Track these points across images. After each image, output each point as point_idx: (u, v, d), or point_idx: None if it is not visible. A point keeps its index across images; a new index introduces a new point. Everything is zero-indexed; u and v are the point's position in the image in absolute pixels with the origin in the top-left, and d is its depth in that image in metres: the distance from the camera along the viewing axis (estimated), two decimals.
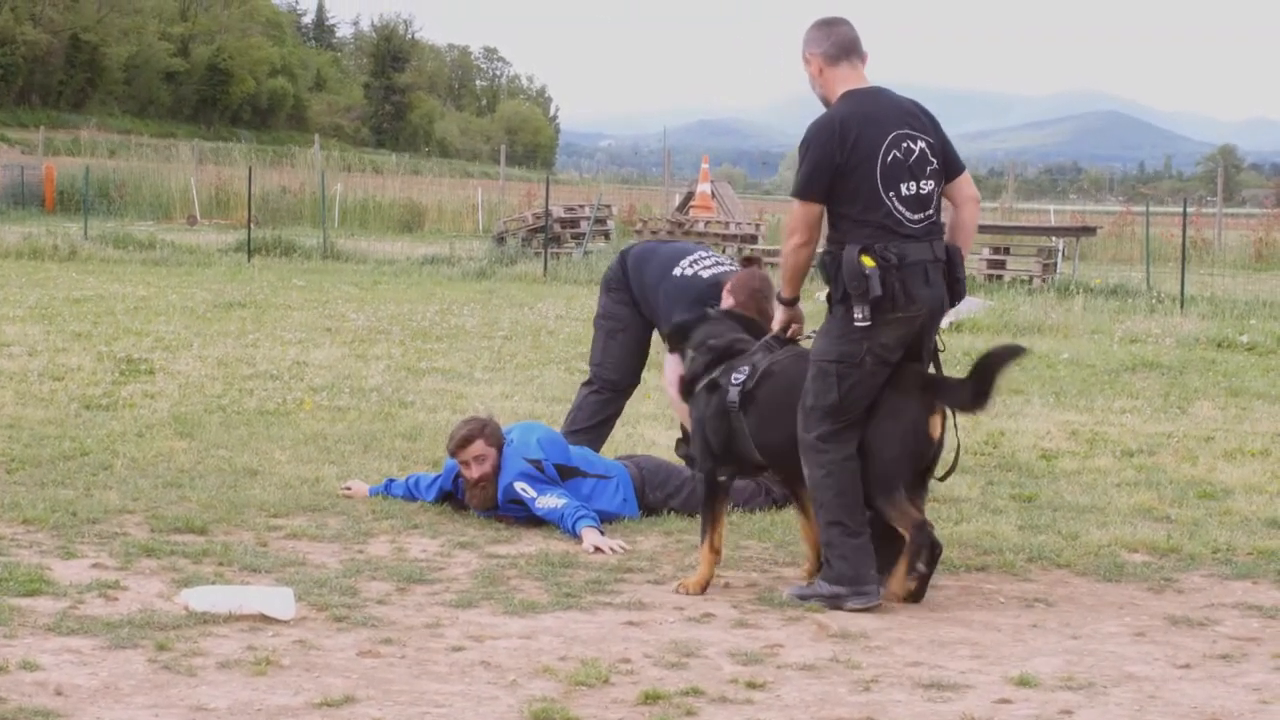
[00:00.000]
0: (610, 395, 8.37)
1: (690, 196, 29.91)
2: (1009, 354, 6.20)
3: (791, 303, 6.47)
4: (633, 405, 8.76)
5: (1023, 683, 5.15)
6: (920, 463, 6.19)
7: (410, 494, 7.81)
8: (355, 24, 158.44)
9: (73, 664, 5.08)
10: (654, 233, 26.27)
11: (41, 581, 6.00)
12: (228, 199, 41.06)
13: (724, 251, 23.64)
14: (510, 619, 5.81)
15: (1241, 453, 9.62)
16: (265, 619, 5.62)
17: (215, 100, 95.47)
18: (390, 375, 12.36)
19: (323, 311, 17.72)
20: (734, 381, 6.40)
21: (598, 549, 6.88)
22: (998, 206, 39.39)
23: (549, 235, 26.95)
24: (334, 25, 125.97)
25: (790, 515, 7.54)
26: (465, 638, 5.54)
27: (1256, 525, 7.64)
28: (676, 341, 6.90)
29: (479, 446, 7.44)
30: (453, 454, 7.53)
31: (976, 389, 6.10)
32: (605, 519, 7.34)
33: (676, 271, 8.05)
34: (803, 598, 6.13)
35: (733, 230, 27.07)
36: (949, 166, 6.27)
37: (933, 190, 6.18)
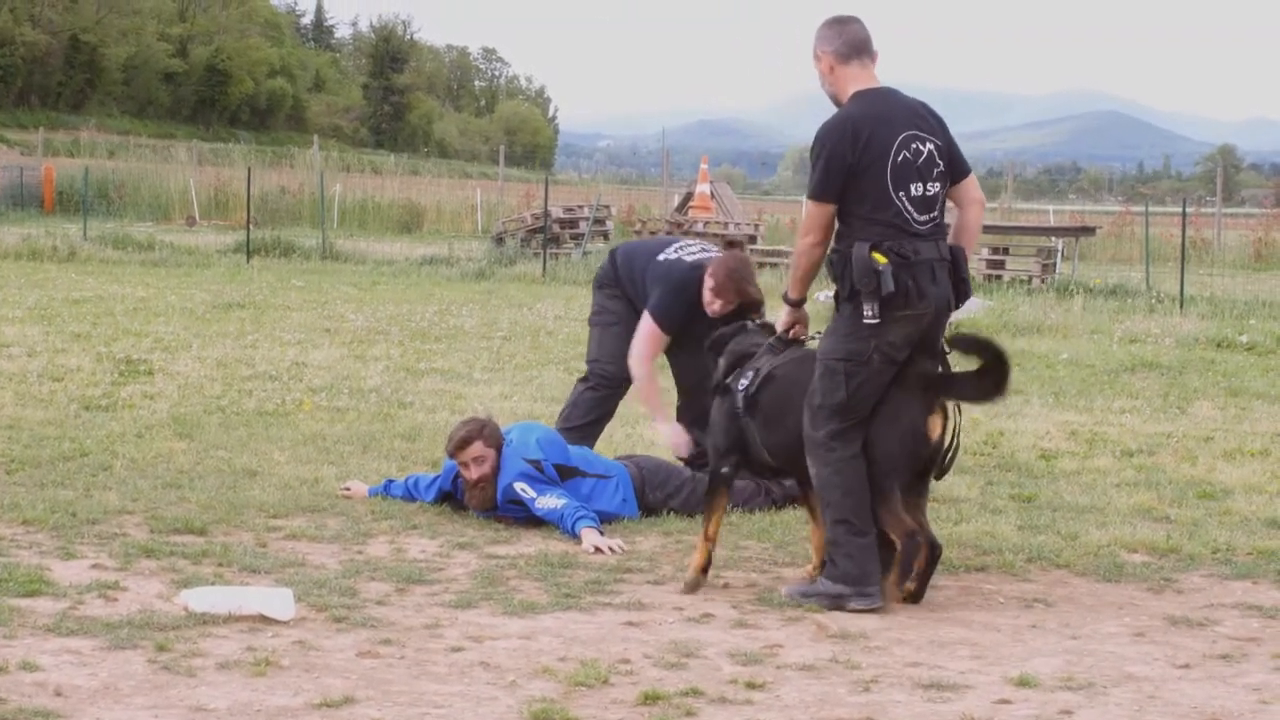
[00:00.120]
0: (607, 391, 8.39)
1: (689, 197, 29.88)
2: (995, 343, 6.23)
3: (798, 303, 6.47)
4: (633, 405, 8.76)
5: (1022, 683, 5.15)
6: (918, 464, 6.19)
7: (409, 495, 7.81)
8: (354, 25, 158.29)
9: (72, 664, 5.08)
10: (652, 233, 26.24)
11: (41, 582, 6.00)
12: (227, 200, 41.05)
13: None
14: (509, 619, 5.81)
15: (1241, 453, 9.62)
16: (265, 620, 5.62)
17: (214, 101, 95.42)
18: (389, 376, 12.36)
19: (322, 312, 17.72)
20: (739, 386, 6.42)
21: (597, 549, 6.88)
22: (997, 207, 39.38)
23: (548, 236, 26.93)
24: (333, 26, 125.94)
25: (790, 515, 7.55)
26: (464, 638, 5.54)
27: (1256, 525, 7.63)
28: (713, 351, 6.90)
29: (478, 447, 7.44)
30: (452, 455, 7.52)
31: (995, 378, 6.11)
32: (605, 519, 7.34)
33: (661, 256, 8.21)
34: (804, 596, 6.13)
35: (732, 231, 27.04)
36: (955, 169, 6.30)
37: (938, 192, 6.21)
